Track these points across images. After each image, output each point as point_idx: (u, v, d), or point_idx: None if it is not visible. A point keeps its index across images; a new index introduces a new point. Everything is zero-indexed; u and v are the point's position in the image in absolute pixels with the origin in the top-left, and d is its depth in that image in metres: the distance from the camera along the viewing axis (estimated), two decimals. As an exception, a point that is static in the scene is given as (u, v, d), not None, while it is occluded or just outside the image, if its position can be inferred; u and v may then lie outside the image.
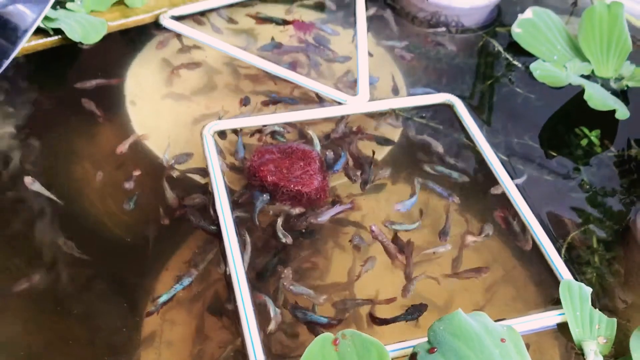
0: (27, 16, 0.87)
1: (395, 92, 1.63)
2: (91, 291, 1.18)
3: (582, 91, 1.55)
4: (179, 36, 1.73)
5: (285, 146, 1.40)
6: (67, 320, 1.13)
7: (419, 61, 1.75)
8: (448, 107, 1.60)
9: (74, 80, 1.59)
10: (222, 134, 1.48)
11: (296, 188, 1.32)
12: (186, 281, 1.19)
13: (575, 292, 1.18)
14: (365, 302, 1.19)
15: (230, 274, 1.18)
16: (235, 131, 1.48)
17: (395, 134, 1.53)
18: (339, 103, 1.56)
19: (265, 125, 1.49)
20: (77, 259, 1.23)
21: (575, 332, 1.14)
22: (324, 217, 1.31)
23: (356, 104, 1.55)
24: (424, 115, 1.57)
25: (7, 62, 0.92)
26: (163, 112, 1.51)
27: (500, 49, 1.78)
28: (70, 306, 1.15)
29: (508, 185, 1.40)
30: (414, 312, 1.15)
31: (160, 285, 1.20)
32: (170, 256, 1.25)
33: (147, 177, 1.38)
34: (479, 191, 1.42)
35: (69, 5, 1.61)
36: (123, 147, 1.42)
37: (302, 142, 1.44)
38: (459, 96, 1.61)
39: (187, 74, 1.64)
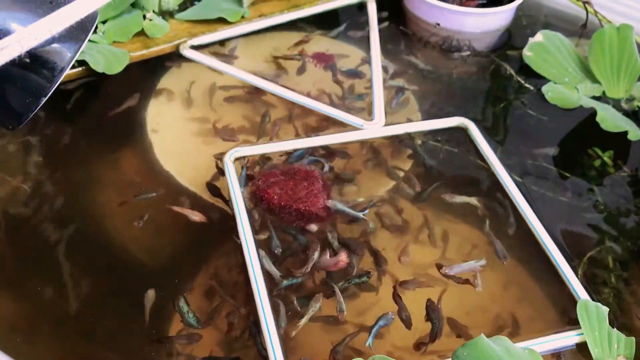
0: (65, 54, 0.91)
1: (410, 116, 1.66)
2: (115, 318, 1.22)
3: (595, 112, 1.57)
4: (199, 65, 1.78)
5: (288, 168, 1.43)
6: (90, 344, 1.16)
7: (432, 85, 1.79)
8: (462, 131, 1.63)
9: (98, 110, 1.65)
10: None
11: (302, 208, 1.35)
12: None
13: (593, 312, 1.20)
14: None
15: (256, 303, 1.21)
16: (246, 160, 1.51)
17: (409, 159, 1.56)
18: (356, 127, 1.60)
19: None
20: (102, 285, 1.28)
21: (594, 352, 1.15)
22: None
23: (373, 128, 1.58)
24: (439, 138, 1.60)
25: (44, 99, 0.97)
26: (184, 140, 1.53)
27: (512, 72, 1.82)
28: (94, 332, 1.17)
29: (523, 206, 1.42)
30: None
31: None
32: (194, 278, 1.29)
33: (169, 203, 1.42)
34: (495, 214, 1.44)
35: (92, 36, 1.67)
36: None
37: (303, 165, 1.48)
38: (472, 119, 1.64)
39: (208, 101, 1.68)
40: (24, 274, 1.29)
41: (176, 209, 1.38)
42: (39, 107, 0.96)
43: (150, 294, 1.23)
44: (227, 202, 1.41)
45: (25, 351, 1.15)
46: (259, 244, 1.30)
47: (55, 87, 0.95)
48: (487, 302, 1.27)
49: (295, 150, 1.52)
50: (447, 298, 1.27)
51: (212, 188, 1.44)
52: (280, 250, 1.31)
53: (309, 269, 1.27)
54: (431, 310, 1.23)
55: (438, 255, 1.35)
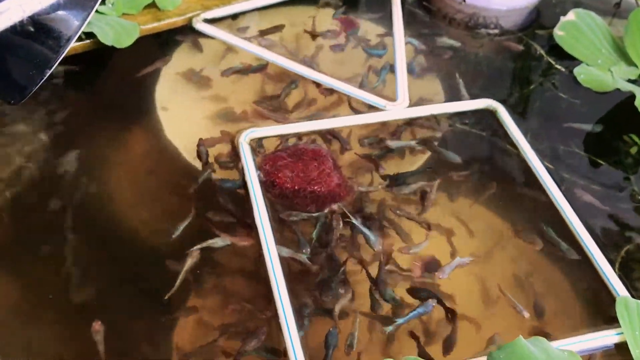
0: (72, 23, 0.83)
1: (435, 97, 1.58)
2: (122, 303, 1.16)
3: (630, 96, 1.49)
4: (212, 39, 1.69)
5: (294, 149, 1.36)
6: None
7: (457, 64, 1.69)
8: (490, 113, 1.54)
9: (106, 86, 1.57)
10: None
11: (318, 190, 1.28)
12: None
13: (634, 310, 1.12)
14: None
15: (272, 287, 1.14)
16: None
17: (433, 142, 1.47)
18: (379, 109, 1.51)
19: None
20: (110, 270, 1.21)
21: (635, 352, 1.07)
22: None
23: (396, 110, 1.50)
24: (466, 121, 1.51)
25: (49, 72, 0.88)
26: (196, 119, 1.46)
27: (542, 52, 1.72)
28: (97, 316, 1.10)
29: (555, 194, 1.34)
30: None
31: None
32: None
33: (180, 185, 1.34)
34: (524, 200, 1.36)
35: (100, 8, 1.57)
36: None
37: (310, 142, 1.41)
38: (501, 101, 1.54)
39: (221, 79, 1.59)
40: (27, 255, 1.22)
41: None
42: (43, 80, 0.88)
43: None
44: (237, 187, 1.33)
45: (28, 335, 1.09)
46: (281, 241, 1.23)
47: (60, 59, 0.86)
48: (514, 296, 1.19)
49: (313, 131, 1.44)
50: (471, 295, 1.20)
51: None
52: (309, 252, 1.21)
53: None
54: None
55: (466, 247, 1.27)
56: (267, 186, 1.31)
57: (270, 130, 1.44)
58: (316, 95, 1.56)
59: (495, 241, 1.28)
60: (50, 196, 1.30)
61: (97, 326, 1.04)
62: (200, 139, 1.40)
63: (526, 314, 1.15)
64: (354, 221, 1.24)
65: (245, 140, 1.40)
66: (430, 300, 1.14)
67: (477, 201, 1.35)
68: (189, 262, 1.17)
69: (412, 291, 1.18)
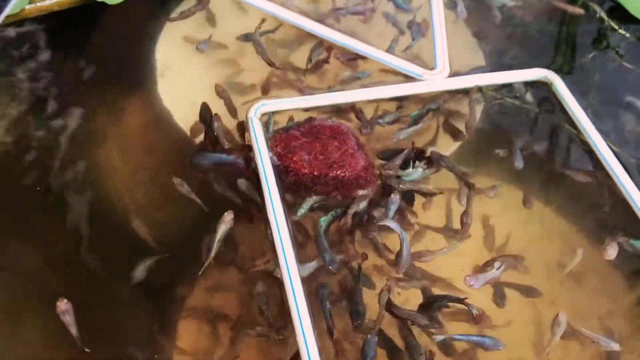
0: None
1: (474, 65, 1.36)
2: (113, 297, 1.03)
3: None
4: (219, -5, 1.46)
5: (309, 126, 1.15)
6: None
7: (503, 29, 1.45)
8: (544, 86, 1.32)
9: (95, 49, 1.36)
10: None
11: (341, 174, 1.08)
12: None
13: None
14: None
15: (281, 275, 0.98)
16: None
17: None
18: (413, 78, 1.29)
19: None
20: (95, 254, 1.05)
21: None
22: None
23: (434, 80, 1.28)
24: (517, 95, 1.28)
25: None
26: (198, 87, 1.29)
27: (603, 14, 1.47)
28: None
29: (624, 181, 1.14)
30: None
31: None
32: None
33: (180, 163, 1.16)
34: (589, 189, 1.17)
35: (88, -45, 1.36)
36: None
37: (327, 118, 1.19)
38: (556, 72, 1.32)
39: (228, 42, 1.37)
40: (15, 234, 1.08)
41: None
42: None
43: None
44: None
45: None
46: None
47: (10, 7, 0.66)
48: (557, 292, 1.04)
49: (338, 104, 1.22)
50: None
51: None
52: (336, 264, 1.03)
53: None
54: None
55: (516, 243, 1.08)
56: (280, 172, 1.10)
57: (285, 103, 1.23)
58: (338, 63, 1.34)
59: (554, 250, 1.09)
60: (34, 175, 1.14)
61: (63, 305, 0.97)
62: (214, 115, 1.19)
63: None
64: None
65: (255, 115, 1.19)
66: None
67: (530, 195, 1.15)
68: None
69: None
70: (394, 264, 1.03)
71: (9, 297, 1.01)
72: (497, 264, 1.03)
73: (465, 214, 1.10)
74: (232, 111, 1.22)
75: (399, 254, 1.02)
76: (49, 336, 0.98)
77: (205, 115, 1.19)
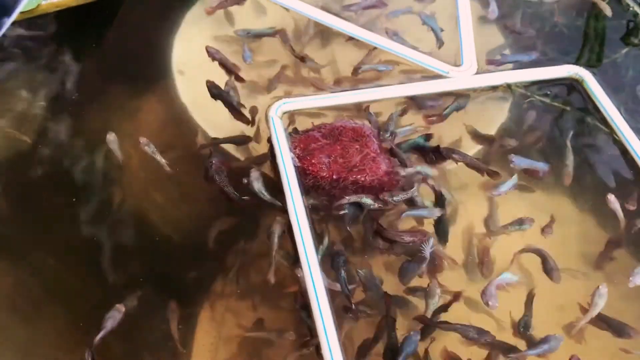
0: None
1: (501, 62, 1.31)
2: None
3: None
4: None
5: (330, 127, 1.11)
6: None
7: (529, 22, 1.40)
8: (574, 83, 1.26)
9: (113, 43, 1.34)
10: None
11: (361, 179, 1.04)
12: None
13: None
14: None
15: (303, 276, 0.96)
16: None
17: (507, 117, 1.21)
18: (440, 76, 1.25)
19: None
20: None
21: None
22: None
23: (462, 77, 1.23)
24: (548, 92, 1.23)
25: (9, 21, 0.65)
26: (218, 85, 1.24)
27: (637, 8, 1.41)
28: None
29: None
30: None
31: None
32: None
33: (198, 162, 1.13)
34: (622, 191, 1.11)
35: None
36: None
37: (347, 118, 1.15)
38: (587, 68, 1.27)
39: (253, 39, 1.33)
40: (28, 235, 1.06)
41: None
42: (3, 29, 0.65)
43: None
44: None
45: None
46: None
47: (22, 6, 0.63)
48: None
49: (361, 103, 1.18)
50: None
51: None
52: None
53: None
54: None
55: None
56: (299, 175, 1.07)
57: (307, 101, 1.19)
58: (368, 59, 1.29)
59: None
60: (46, 174, 1.12)
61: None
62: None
63: None
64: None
65: (276, 114, 1.15)
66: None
67: (561, 197, 1.10)
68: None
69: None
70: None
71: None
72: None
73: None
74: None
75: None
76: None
77: (215, 91, 1.20)
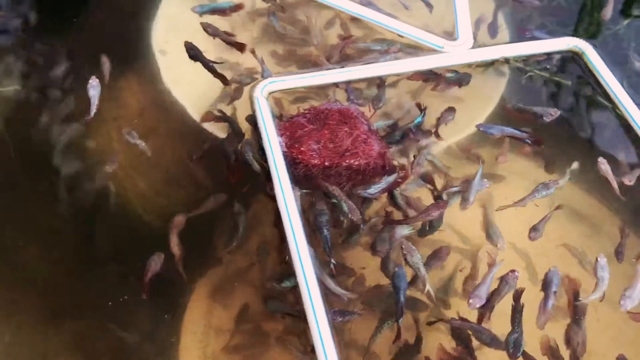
0: None
1: (495, 35, 1.26)
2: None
3: None
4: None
5: (315, 111, 1.05)
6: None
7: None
8: (575, 56, 1.21)
9: (90, 22, 1.28)
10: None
11: (355, 163, 0.98)
12: None
13: None
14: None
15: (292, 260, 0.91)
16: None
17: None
18: (434, 50, 1.19)
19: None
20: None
21: None
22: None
23: (457, 51, 1.18)
24: (547, 66, 1.18)
25: None
26: (199, 68, 1.20)
27: (637, -22, 1.36)
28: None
29: None
30: None
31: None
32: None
33: (184, 146, 1.09)
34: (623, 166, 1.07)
35: None
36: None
37: (333, 101, 1.10)
38: (589, 40, 1.22)
39: (233, 16, 1.28)
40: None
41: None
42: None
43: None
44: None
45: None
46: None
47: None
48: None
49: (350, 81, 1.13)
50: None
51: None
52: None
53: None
54: None
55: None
56: (288, 164, 1.01)
57: (294, 80, 1.13)
58: (357, 33, 1.24)
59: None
60: (25, 161, 1.07)
61: None
62: None
63: None
64: None
65: (262, 94, 1.09)
66: None
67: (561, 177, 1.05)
68: None
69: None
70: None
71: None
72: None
73: None
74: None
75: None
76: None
77: (192, 52, 1.18)
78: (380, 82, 1.12)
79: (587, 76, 1.19)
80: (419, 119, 1.07)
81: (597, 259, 0.93)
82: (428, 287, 0.90)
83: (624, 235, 0.97)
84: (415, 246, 0.93)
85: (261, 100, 1.08)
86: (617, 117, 1.13)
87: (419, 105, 1.10)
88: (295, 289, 0.89)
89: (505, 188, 1.03)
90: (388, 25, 1.22)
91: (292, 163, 1.00)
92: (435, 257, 0.94)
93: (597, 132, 1.12)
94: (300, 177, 0.99)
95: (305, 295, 0.87)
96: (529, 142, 1.07)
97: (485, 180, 1.01)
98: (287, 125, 1.04)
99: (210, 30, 1.20)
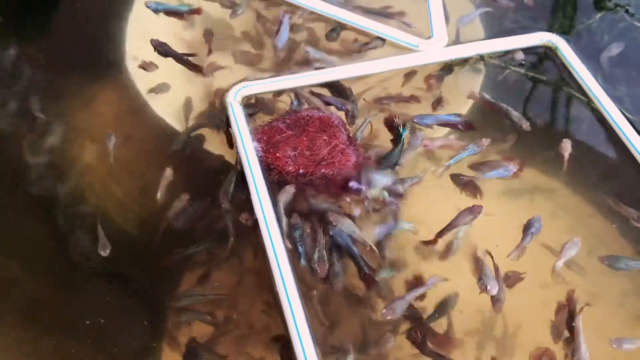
0: None
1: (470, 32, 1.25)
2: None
3: None
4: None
5: (295, 117, 1.04)
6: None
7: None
8: (547, 51, 1.23)
9: (61, 28, 1.27)
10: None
11: (330, 172, 0.98)
12: None
13: None
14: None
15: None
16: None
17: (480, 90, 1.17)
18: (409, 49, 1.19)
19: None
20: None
21: None
22: None
23: (432, 50, 1.18)
24: (522, 62, 1.18)
25: None
26: (175, 70, 1.19)
27: (609, -29, 1.36)
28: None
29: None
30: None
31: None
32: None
33: (158, 154, 1.07)
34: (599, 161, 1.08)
35: None
36: None
37: (314, 108, 1.08)
38: (561, 35, 1.23)
39: (208, 19, 1.26)
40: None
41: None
42: None
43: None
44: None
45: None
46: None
47: None
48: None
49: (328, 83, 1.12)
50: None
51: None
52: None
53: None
54: None
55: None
56: (263, 169, 0.99)
57: (269, 84, 1.12)
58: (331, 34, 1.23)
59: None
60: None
61: None
62: None
63: None
64: None
65: (235, 99, 1.08)
66: None
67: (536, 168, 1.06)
68: None
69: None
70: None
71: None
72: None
73: None
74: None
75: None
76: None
77: (161, 49, 1.18)
78: (351, 95, 1.12)
79: (561, 71, 1.19)
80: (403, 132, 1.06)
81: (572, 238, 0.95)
82: (369, 242, 0.91)
83: None
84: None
85: (235, 105, 1.07)
86: (592, 111, 1.13)
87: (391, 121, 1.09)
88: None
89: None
90: (362, 25, 1.22)
91: (266, 168, 0.99)
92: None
93: (573, 127, 1.12)
94: (274, 182, 0.98)
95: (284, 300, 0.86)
96: (461, 127, 1.08)
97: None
98: (265, 129, 1.03)
99: (161, 50, 1.19)
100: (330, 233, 0.93)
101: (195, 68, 1.15)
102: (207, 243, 0.95)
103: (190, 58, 1.17)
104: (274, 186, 0.99)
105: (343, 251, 0.92)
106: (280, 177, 0.98)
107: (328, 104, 1.10)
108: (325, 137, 1.00)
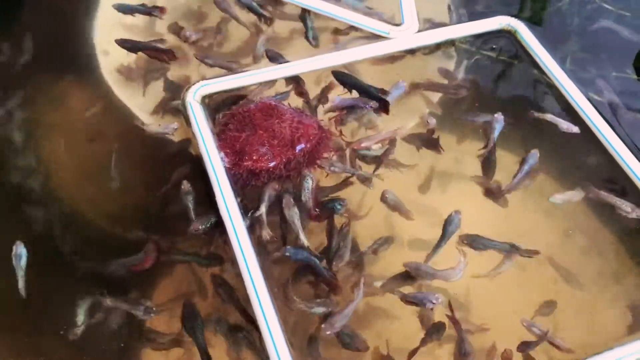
0: None
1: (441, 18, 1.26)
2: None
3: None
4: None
5: (236, 119, 1.03)
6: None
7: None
8: (509, 35, 1.23)
9: (29, 25, 1.25)
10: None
11: (307, 145, 0.99)
12: None
13: None
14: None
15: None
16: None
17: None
18: (379, 37, 1.19)
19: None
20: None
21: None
22: None
23: (403, 36, 1.18)
24: (494, 46, 1.19)
25: None
26: (147, 63, 1.19)
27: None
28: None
29: (604, 131, 1.06)
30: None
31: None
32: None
33: (129, 149, 1.07)
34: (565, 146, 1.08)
35: None
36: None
37: (247, 102, 1.08)
38: (525, 19, 1.24)
39: (179, 9, 1.26)
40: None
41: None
42: None
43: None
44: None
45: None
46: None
47: None
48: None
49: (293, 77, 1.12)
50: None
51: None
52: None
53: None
54: None
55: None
56: (248, 180, 0.98)
57: (229, 81, 1.11)
58: (286, 25, 1.23)
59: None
60: None
61: None
62: None
63: None
64: None
65: (194, 98, 1.07)
66: None
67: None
68: None
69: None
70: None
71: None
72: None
73: None
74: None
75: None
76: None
77: (127, 45, 1.16)
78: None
79: (522, 55, 1.20)
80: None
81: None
82: (303, 239, 0.91)
83: None
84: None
85: (194, 105, 1.05)
86: (554, 95, 1.14)
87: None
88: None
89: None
90: (331, 13, 1.22)
91: (252, 176, 0.98)
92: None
93: (535, 108, 1.13)
94: (266, 183, 0.98)
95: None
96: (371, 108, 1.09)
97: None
98: (221, 143, 1.01)
99: (127, 46, 1.17)
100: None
101: (169, 53, 1.14)
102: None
103: (158, 45, 1.16)
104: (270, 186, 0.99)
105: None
106: (270, 175, 0.98)
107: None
108: (276, 121, 1.00)
